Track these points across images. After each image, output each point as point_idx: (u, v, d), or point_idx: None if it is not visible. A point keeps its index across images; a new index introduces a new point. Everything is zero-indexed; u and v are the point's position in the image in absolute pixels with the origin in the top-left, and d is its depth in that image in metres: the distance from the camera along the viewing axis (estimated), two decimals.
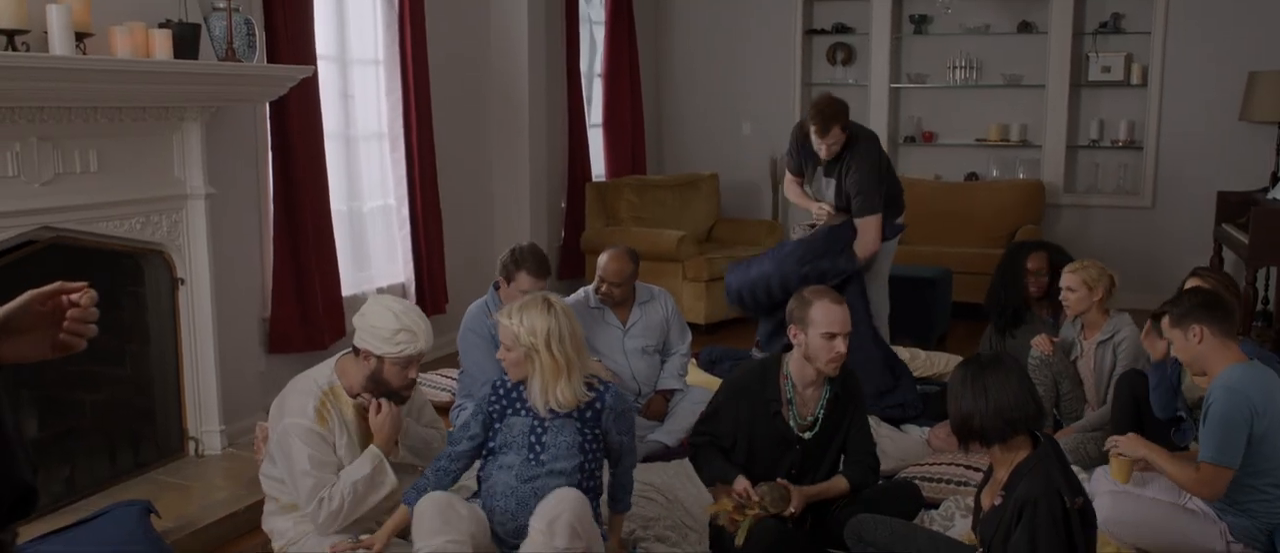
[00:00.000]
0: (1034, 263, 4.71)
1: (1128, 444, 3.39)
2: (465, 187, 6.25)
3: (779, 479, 3.23)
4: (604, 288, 4.47)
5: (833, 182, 4.91)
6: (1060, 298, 4.36)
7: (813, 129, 4.75)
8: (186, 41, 3.70)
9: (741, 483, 3.22)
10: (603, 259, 4.50)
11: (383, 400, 3.10)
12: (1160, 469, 3.30)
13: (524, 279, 4.04)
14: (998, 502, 2.69)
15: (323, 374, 3.16)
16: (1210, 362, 3.24)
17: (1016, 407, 2.66)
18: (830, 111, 4.71)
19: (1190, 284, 3.91)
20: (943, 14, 7.63)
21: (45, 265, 3.45)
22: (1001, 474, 2.74)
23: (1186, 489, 3.24)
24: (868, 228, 4.81)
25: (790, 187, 5.19)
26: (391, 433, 3.12)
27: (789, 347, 3.36)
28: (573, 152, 7.19)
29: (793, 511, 3.16)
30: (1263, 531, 3.23)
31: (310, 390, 3.11)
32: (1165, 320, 3.34)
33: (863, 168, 4.81)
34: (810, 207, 5.00)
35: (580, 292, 4.69)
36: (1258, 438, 3.13)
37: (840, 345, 3.18)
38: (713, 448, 3.39)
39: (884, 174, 4.88)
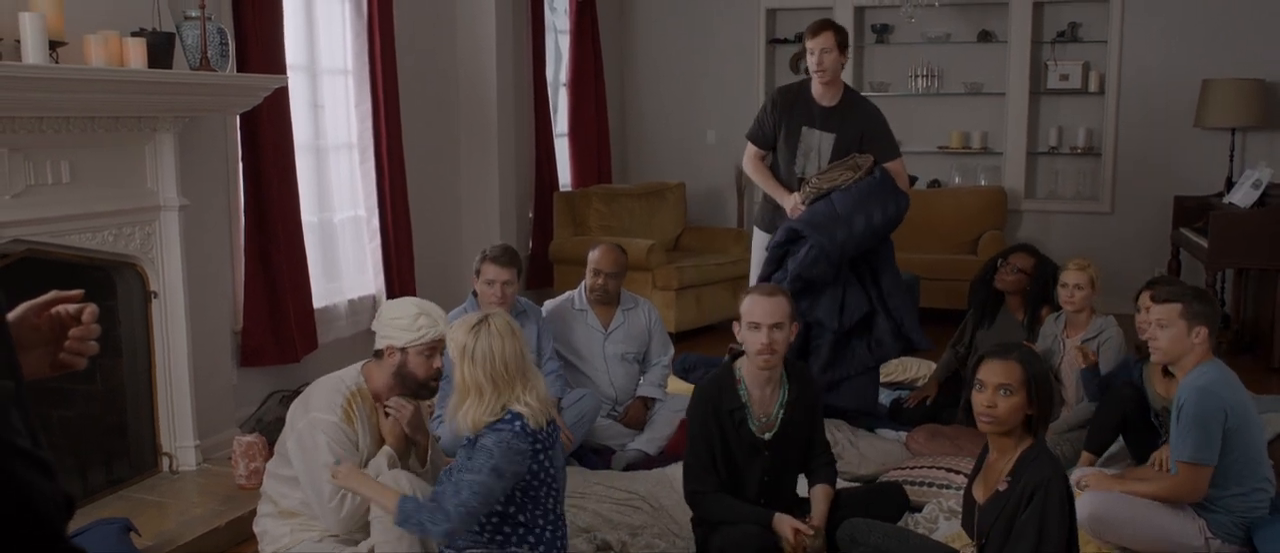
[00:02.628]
0: (1019, 260, 4.76)
1: (1095, 483, 3.47)
2: (435, 197, 6.22)
3: (810, 521, 3.23)
4: (600, 280, 4.48)
5: (831, 136, 4.61)
6: (1062, 294, 4.41)
7: (807, 35, 4.53)
8: (161, 51, 3.64)
9: (787, 525, 3.21)
10: (594, 253, 4.53)
11: (391, 404, 3.08)
12: (1136, 494, 3.35)
13: (489, 268, 4.14)
14: (1002, 488, 2.73)
15: (350, 375, 3.14)
16: (1188, 360, 3.33)
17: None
18: (827, 20, 4.59)
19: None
20: (904, 23, 7.72)
21: (16, 279, 3.37)
22: (1005, 464, 2.77)
23: (1169, 499, 3.31)
24: (899, 169, 4.65)
25: (751, 161, 4.81)
26: (402, 433, 3.10)
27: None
28: (540, 161, 7.18)
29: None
30: (1239, 525, 3.30)
31: (339, 388, 3.08)
32: (1175, 309, 3.32)
33: (878, 116, 4.67)
34: (781, 198, 4.67)
35: (566, 294, 4.69)
36: (1230, 432, 3.21)
37: (763, 336, 3.15)
38: (717, 495, 3.28)
39: None
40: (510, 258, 4.16)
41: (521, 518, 2.90)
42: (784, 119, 4.68)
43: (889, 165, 4.62)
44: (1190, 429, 3.20)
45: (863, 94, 7.69)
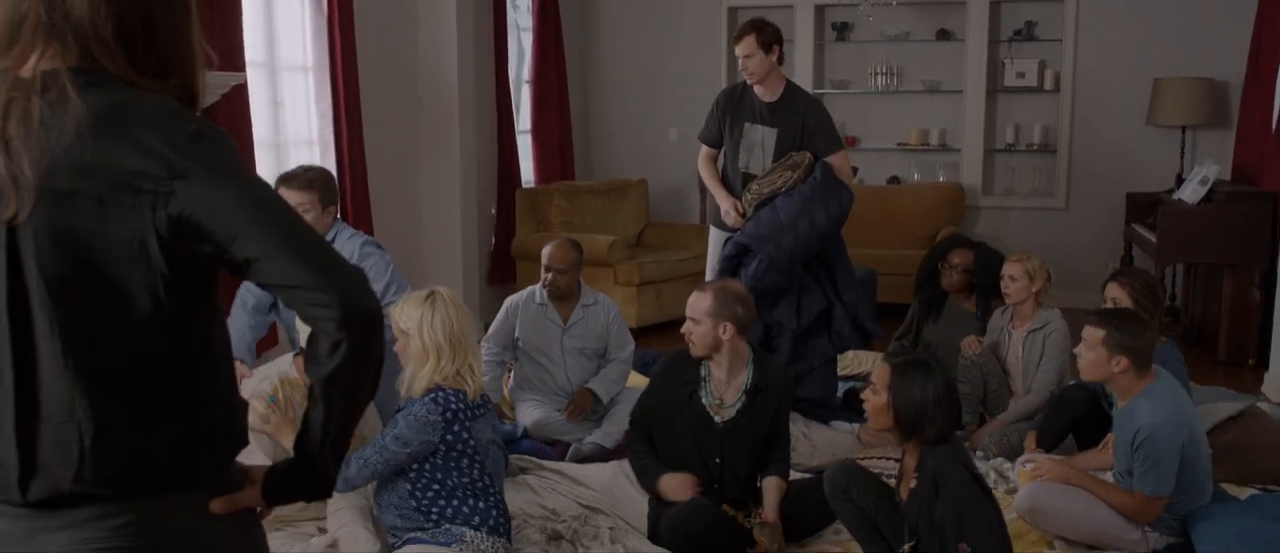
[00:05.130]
0: (959, 258, 4.84)
1: (1051, 470, 3.52)
2: (396, 194, 6.24)
3: (762, 514, 3.38)
4: (550, 276, 4.52)
5: (774, 131, 4.68)
6: (1001, 287, 4.51)
7: (733, 40, 4.62)
8: None
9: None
10: (547, 249, 4.57)
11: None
12: (1092, 491, 3.43)
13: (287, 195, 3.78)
14: (914, 484, 2.82)
15: (283, 363, 3.25)
16: (1123, 388, 3.41)
17: (953, 399, 2.86)
18: (757, 20, 4.62)
19: (1112, 294, 4.08)
20: (864, 22, 7.81)
21: None
22: (912, 461, 2.87)
23: (1125, 515, 3.39)
24: (842, 162, 4.70)
25: (702, 161, 4.92)
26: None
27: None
28: (502, 158, 7.21)
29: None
30: (1176, 518, 3.40)
31: (269, 374, 3.16)
32: (1100, 335, 3.38)
33: (821, 110, 4.74)
34: (721, 200, 4.76)
35: (528, 288, 4.73)
36: (1183, 459, 3.31)
37: (688, 327, 3.52)
38: (642, 447, 3.59)
39: None
40: (302, 182, 3.83)
41: (450, 483, 2.99)
42: (729, 116, 4.78)
43: (831, 159, 4.66)
44: (1151, 468, 3.28)
45: (822, 90, 7.90)
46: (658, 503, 3.50)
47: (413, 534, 3.01)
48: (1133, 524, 3.40)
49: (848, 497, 3.11)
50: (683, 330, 3.55)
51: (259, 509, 1.56)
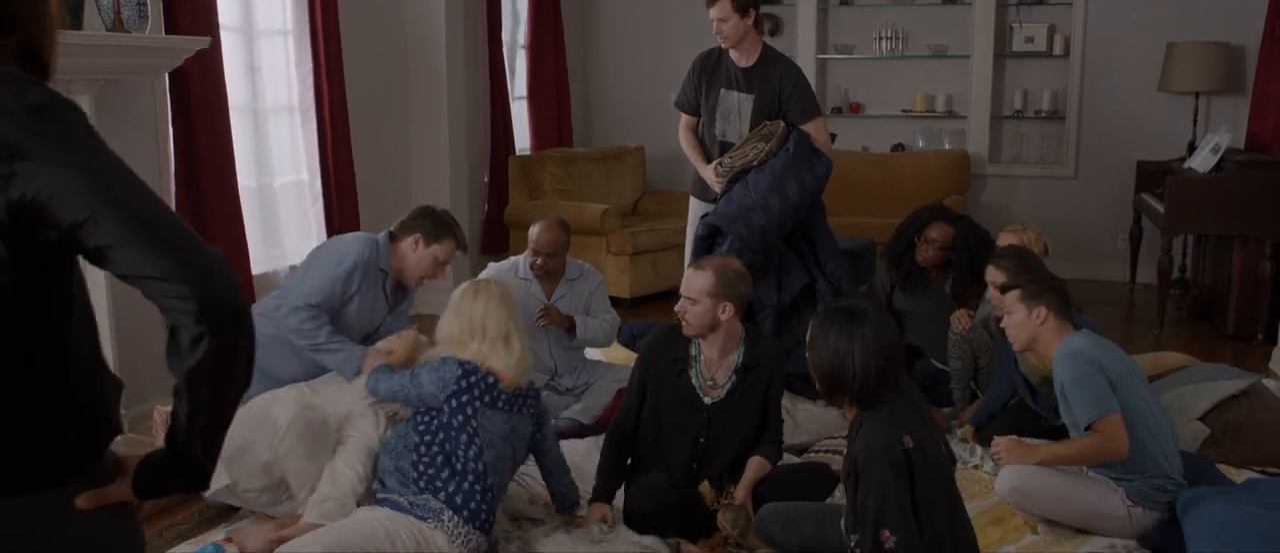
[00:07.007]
0: (936, 232, 4.62)
1: (1009, 453, 3.37)
2: (382, 161, 6.11)
3: (730, 497, 3.24)
4: (539, 260, 4.38)
5: (750, 97, 4.52)
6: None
7: (708, 1, 4.41)
8: (69, 11, 3.53)
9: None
10: (534, 230, 4.41)
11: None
12: (1054, 459, 3.32)
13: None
14: (844, 452, 2.68)
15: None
16: (1046, 342, 3.31)
17: (886, 354, 2.60)
18: None
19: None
20: None
21: None
22: (851, 422, 2.71)
23: (1091, 459, 3.25)
24: (819, 130, 4.53)
25: (682, 130, 4.76)
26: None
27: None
28: (495, 124, 7.06)
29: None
30: (1156, 489, 3.24)
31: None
32: (1013, 294, 3.36)
33: (798, 75, 4.55)
34: (700, 167, 4.64)
35: (510, 260, 4.61)
36: (1114, 386, 3.17)
37: (683, 306, 3.32)
38: (614, 455, 3.43)
39: None
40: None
41: (447, 451, 3.04)
42: (705, 83, 4.63)
43: (808, 126, 4.49)
44: (1075, 392, 3.18)
45: (826, 55, 7.70)
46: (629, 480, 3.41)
47: (394, 493, 3.07)
48: (1118, 500, 3.25)
49: (782, 530, 3.07)
50: (677, 309, 3.33)
51: (135, 503, 1.45)
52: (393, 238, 3.82)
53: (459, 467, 3.03)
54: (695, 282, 3.28)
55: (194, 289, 1.26)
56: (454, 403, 3.05)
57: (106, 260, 1.26)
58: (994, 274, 3.86)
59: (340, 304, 3.65)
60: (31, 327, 1.31)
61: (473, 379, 3.06)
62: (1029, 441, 3.45)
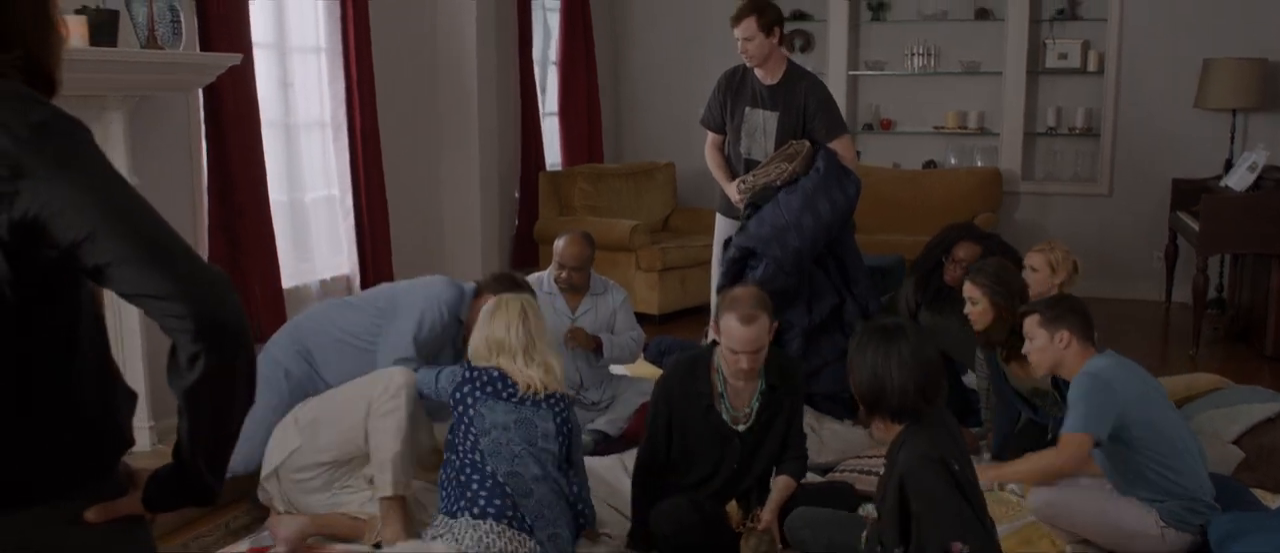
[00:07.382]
0: (964, 251, 4.57)
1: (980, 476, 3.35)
2: (413, 176, 6.15)
3: (756, 521, 3.23)
4: (563, 274, 4.40)
5: (775, 115, 4.53)
6: (1026, 278, 4.28)
7: (731, 22, 4.45)
8: (103, 28, 3.59)
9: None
10: (559, 244, 4.44)
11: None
12: (1012, 477, 3.34)
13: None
14: (881, 471, 2.67)
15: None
16: (1070, 366, 3.28)
17: (926, 371, 2.61)
18: (749, 3, 4.39)
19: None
20: (900, 1, 7.57)
21: None
22: (885, 440, 2.71)
23: (1053, 474, 3.26)
24: (845, 147, 4.52)
25: (707, 147, 4.81)
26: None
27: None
28: (526, 140, 7.10)
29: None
30: (1189, 510, 3.19)
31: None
32: (1033, 319, 3.32)
33: (823, 91, 4.55)
34: (724, 184, 4.66)
35: (535, 276, 4.63)
36: (1130, 407, 3.13)
37: (743, 362, 3.15)
38: (642, 497, 3.35)
39: None
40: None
41: (456, 449, 3.14)
42: (730, 101, 4.63)
43: (834, 144, 4.48)
44: (1074, 406, 3.16)
45: (857, 72, 7.68)
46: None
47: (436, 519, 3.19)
48: (1151, 521, 3.19)
49: (808, 534, 3.06)
50: (745, 368, 3.16)
51: (148, 517, 1.45)
52: (478, 292, 3.84)
53: (464, 468, 3.10)
54: (759, 336, 3.13)
55: (191, 307, 1.26)
56: (457, 394, 3.19)
57: (106, 279, 1.27)
58: (970, 289, 3.85)
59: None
60: (35, 340, 1.32)
61: (475, 374, 3.17)
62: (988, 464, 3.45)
